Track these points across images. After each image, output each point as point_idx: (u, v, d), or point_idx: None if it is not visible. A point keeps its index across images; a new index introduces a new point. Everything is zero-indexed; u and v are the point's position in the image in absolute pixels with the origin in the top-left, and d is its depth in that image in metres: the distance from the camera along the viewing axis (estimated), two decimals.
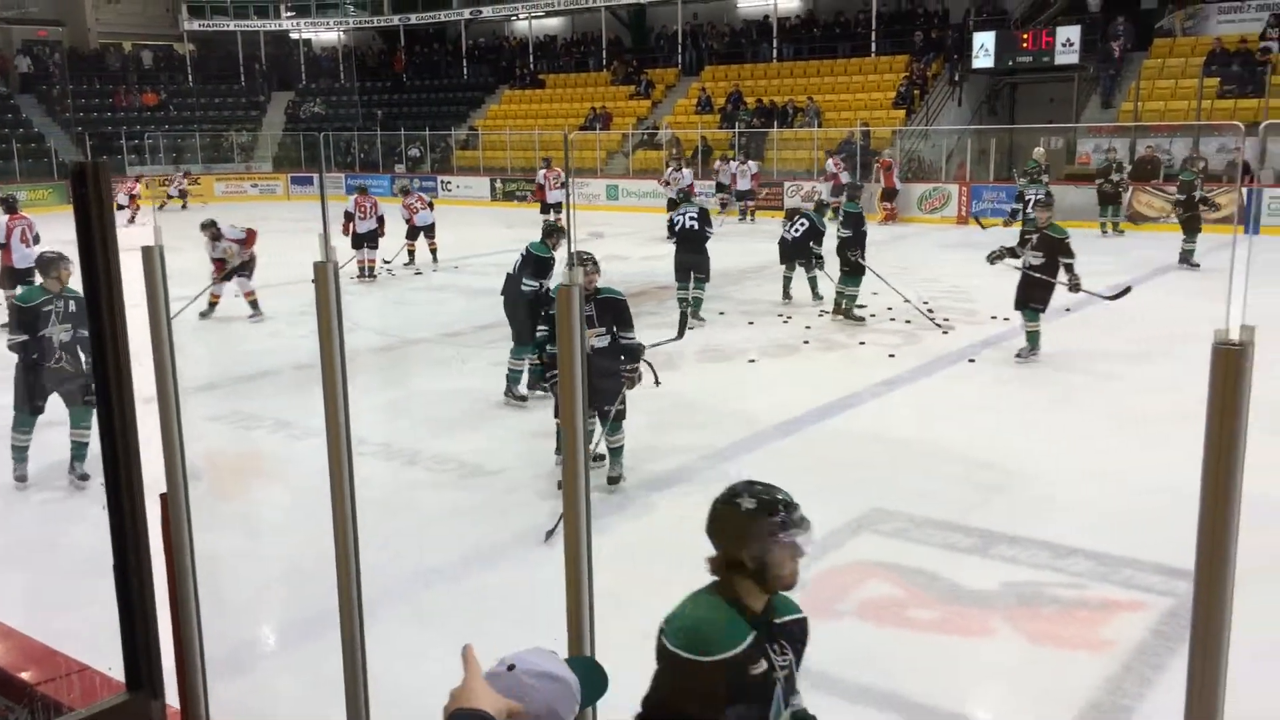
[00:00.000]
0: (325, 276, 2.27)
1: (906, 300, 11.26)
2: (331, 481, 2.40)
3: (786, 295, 12.24)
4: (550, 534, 5.56)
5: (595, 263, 6.44)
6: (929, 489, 6.26)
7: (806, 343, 10.24)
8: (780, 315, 11.51)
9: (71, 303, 6.48)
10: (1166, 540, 5.21)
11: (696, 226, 11.46)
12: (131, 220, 23.72)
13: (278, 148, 33.60)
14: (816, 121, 24.41)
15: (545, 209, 19.63)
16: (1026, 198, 15.67)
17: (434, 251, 15.96)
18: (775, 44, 28.41)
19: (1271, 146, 18.56)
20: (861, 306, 11.34)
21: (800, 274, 12.16)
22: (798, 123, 24.84)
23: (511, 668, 1.69)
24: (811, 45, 28.26)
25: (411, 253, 15.91)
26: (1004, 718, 4.23)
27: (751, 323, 11.20)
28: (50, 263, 6.61)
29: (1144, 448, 6.84)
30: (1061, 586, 4.96)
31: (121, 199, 23.59)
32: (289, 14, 36.57)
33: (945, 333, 10.41)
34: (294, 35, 37.08)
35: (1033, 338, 9.26)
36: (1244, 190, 17.23)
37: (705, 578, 2.37)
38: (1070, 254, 9.08)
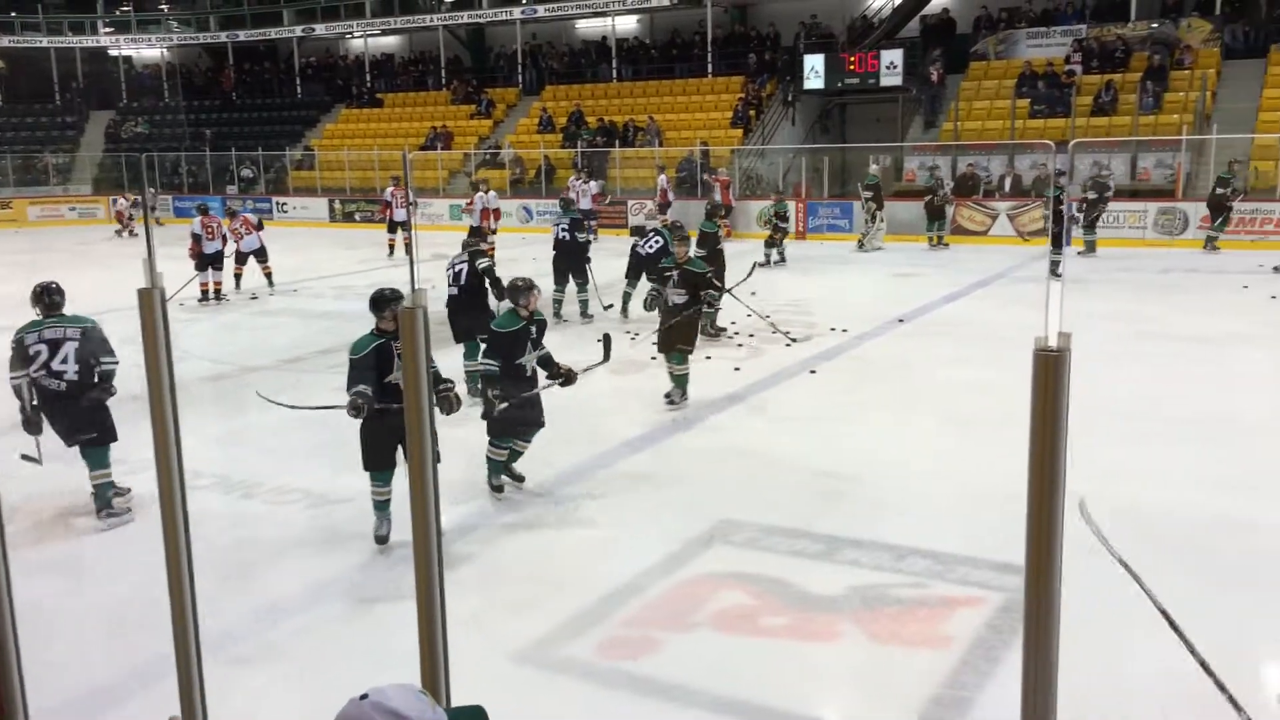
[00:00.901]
0: (151, 303, 2.17)
1: (762, 316, 11.51)
2: (163, 519, 2.28)
3: (624, 312, 12.35)
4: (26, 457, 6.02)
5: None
6: (776, 498, 6.41)
7: (653, 358, 10.33)
8: (628, 332, 11.59)
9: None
10: (998, 537, 5.49)
11: (569, 236, 12.35)
12: (123, 235, 24.33)
13: (98, 169, 31.93)
14: (657, 140, 24.78)
15: (392, 227, 19.51)
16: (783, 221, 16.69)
17: (269, 276, 15.43)
18: (614, 64, 28.73)
19: (1079, 163, 19.84)
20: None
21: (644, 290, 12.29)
22: (639, 142, 25.16)
23: (364, 696, 1.63)
24: (650, 66, 28.69)
25: (238, 277, 15.39)
26: (852, 717, 4.35)
27: (599, 340, 11.22)
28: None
29: (974, 450, 7.18)
30: (903, 587, 5.15)
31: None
32: (107, 30, 34.83)
33: (789, 345, 10.69)
34: (113, 52, 35.33)
35: (681, 381, 8.59)
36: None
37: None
38: (711, 286, 8.91)
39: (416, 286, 2.06)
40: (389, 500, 5.75)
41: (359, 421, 5.65)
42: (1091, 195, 16.74)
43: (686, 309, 8.55)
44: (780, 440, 7.65)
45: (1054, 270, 14.31)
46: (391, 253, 19.34)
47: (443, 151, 27.38)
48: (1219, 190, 16.57)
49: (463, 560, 5.56)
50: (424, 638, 2.10)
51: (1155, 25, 21.89)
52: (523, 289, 6.59)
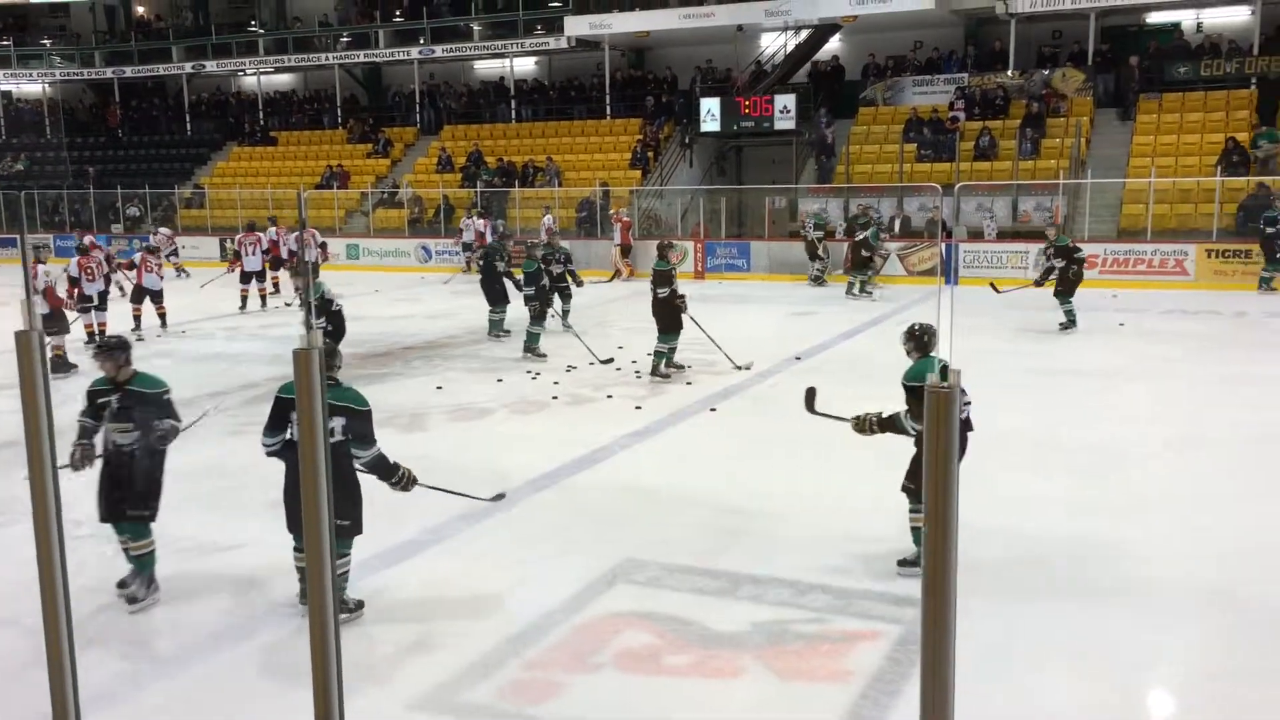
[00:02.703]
0: (29, 346, 2.08)
1: (715, 345, 11.59)
2: (40, 570, 2.18)
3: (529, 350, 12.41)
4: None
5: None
6: (679, 536, 6.42)
7: (555, 398, 10.31)
8: (529, 372, 11.55)
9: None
10: (894, 569, 5.60)
11: (482, 263, 13.80)
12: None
13: None
14: (556, 181, 24.89)
15: (245, 278, 17.40)
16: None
17: (162, 317, 14.96)
18: (513, 105, 28.81)
19: (964, 205, 20.57)
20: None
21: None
22: (538, 182, 25.23)
23: None
24: (548, 107, 28.86)
25: (138, 318, 14.83)
26: None
27: (500, 380, 11.17)
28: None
29: (871, 484, 7.30)
30: (804, 622, 5.19)
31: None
32: None
33: (742, 369, 10.94)
34: None
35: (144, 563, 5.65)
36: (943, 245, 18.96)
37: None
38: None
39: (312, 327, 2.02)
40: None
41: (276, 473, 5.38)
42: (859, 236, 17.57)
43: (144, 454, 5.54)
44: (682, 478, 7.68)
45: (1070, 320, 13.68)
46: (243, 305, 17.51)
47: (339, 190, 27.02)
48: (1269, 230, 16.55)
49: (356, 604, 5.42)
50: (318, 688, 2.04)
51: (1032, 75, 22.90)
52: None
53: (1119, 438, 8.44)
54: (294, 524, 5.26)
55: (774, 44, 25.59)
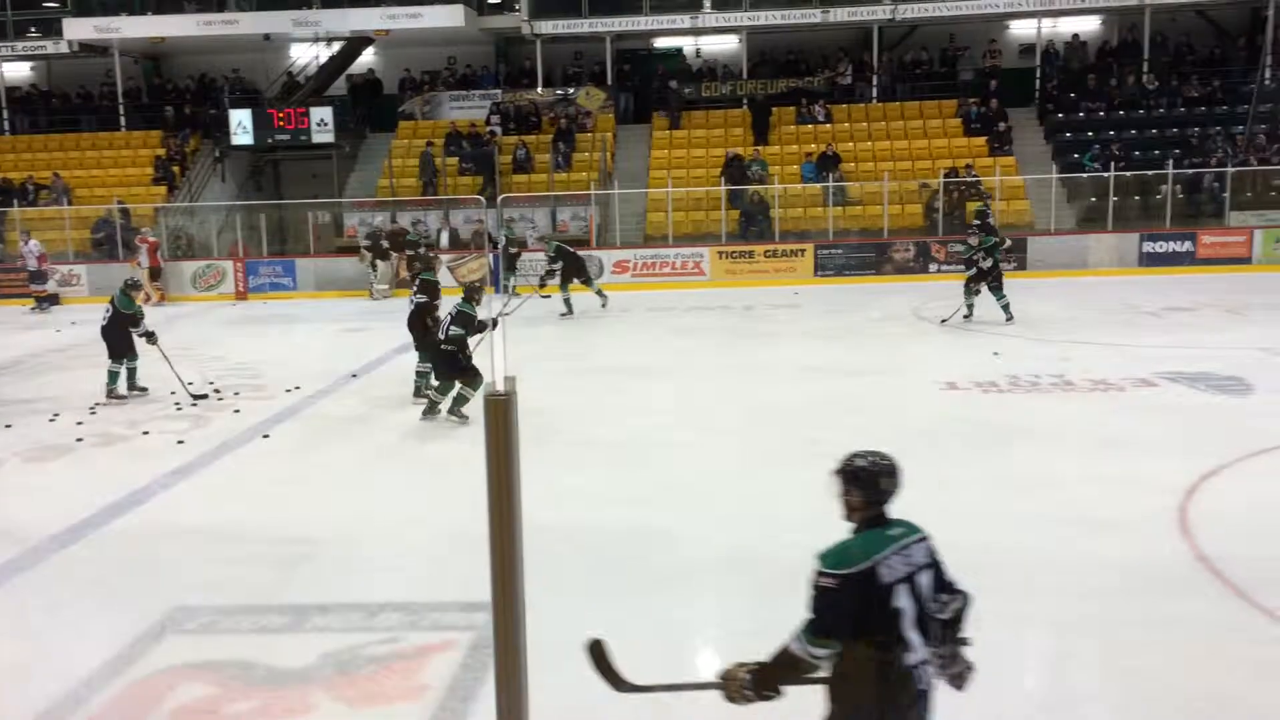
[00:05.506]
0: None
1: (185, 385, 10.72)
2: None
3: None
4: None
5: None
6: (234, 575, 6.01)
7: (80, 440, 9.23)
8: (48, 415, 10.24)
9: None
10: (465, 577, 5.64)
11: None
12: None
13: None
14: (65, 199, 22.29)
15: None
16: None
17: None
18: (6, 115, 25.37)
19: (507, 217, 21.26)
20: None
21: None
22: (43, 200, 22.44)
23: None
24: (50, 118, 25.78)
25: None
26: None
27: (9, 425, 9.80)
28: None
29: (441, 496, 7.32)
30: (376, 644, 5.08)
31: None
32: None
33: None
34: None
35: None
36: (490, 255, 19.48)
37: None
38: None
39: None
40: None
41: None
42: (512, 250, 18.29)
43: None
44: (234, 512, 7.19)
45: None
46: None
47: None
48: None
49: None
50: None
51: (559, 92, 24.22)
52: None
53: (650, 428, 9.11)
54: None
55: (306, 55, 24.80)
